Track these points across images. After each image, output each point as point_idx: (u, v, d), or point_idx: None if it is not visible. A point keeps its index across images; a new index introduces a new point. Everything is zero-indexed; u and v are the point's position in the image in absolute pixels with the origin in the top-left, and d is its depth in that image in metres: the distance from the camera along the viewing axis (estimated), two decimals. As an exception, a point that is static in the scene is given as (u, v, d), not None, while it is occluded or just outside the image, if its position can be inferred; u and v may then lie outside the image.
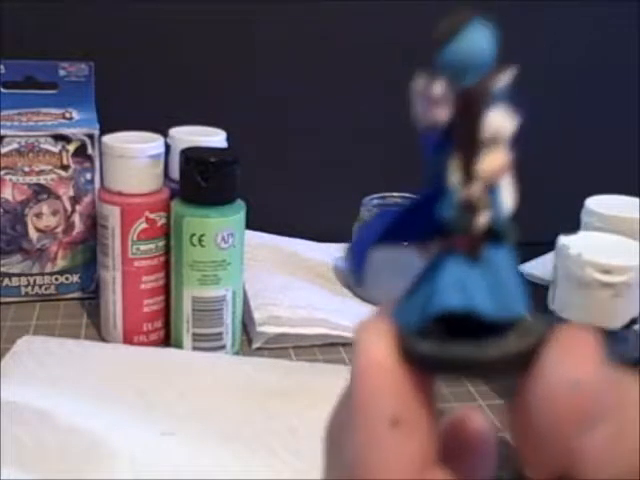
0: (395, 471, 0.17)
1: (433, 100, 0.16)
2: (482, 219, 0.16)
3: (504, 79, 0.17)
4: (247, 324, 0.64)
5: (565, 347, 0.17)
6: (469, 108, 0.16)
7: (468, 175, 0.16)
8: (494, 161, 0.16)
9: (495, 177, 0.16)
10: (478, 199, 0.16)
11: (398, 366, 0.17)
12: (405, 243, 0.17)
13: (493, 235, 0.17)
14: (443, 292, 0.16)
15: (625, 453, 0.17)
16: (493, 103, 0.16)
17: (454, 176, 0.16)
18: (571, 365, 0.17)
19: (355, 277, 0.19)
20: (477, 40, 0.16)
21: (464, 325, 0.16)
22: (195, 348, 0.60)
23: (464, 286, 0.16)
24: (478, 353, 0.16)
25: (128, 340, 0.61)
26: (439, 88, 0.16)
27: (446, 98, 0.16)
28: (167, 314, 0.62)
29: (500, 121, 0.16)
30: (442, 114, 0.16)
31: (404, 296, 0.18)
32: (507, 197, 0.17)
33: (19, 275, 0.68)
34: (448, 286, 0.16)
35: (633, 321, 0.47)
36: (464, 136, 0.16)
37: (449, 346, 0.16)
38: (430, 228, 0.17)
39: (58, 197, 0.67)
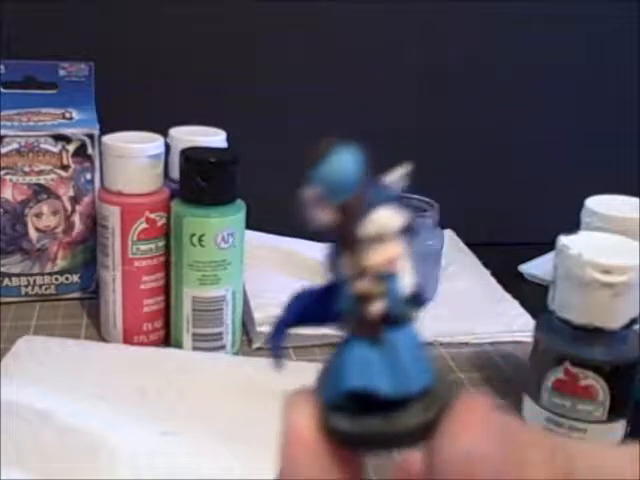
0: None
1: (316, 206, 0.18)
2: (376, 307, 0.18)
3: (391, 184, 0.19)
4: (247, 324, 0.64)
5: (459, 418, 0.17)
6: (344, 218, 0.18)
7: (356, 270, 0.18)
8: (380, 256, 0.18)
9: (384, 269, 0.18)
10: (368, 291, 0.18)
11: (318, 438, 0.18)
12: (321, 324, 0.19)
13: (392, 318, 0.18)
14: (345, 373, 0.18)
15: None
16: (375, 206, 0.18)
17: (344, 271, 0.18)
18: (463, 438, 0.17)
19: (274, 355, 0.20)
20: (340, 165, 0.18)
21: (374, 400, 0.18)
22: (195, 348, 0.60)
23: (364, 367, 0.18)
24: (382, 427, 0.18)
25: (128, 340, 0.61)
26: (318, 198, 0.18)
27: (325, 207, 0.18)
28: (167, 314, 0.62)
29: (384, 220, 0.18)
30: (325, 218, 0.18)
31: (323, 370, 0.19)
32: (405, 282, 0.18)
33: (19, 275, 0.68)
34: (350, 367, 0.18)
35: (633, 321, 0.47)
36: (346, 237, 0.18)
37: (357, 421, 0.18)
38: (338, 312, 0.19)
39: (58, 197, 0.67)
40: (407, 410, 0.18)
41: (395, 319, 0.18)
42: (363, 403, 0.18)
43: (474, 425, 0.17)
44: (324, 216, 0.18)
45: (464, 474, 0.17)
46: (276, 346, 0.20)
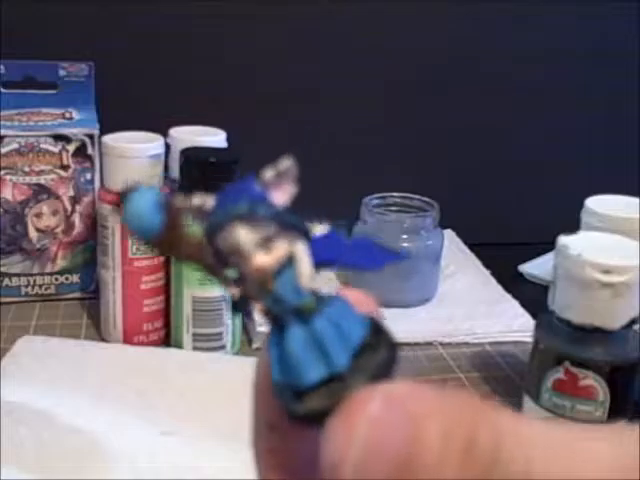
0: (270, 466, 0.19)
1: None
2: (259, 311, 0.18)
3: (265, 184, 0.19)
4: (247, 324, 0.64)
5: (335, 422, 0.17)
6: (173, 253, 0.19)
7: (224, 283, 0.19)
8: (242, 268, 0.18)
9: (254, 278, 0.18)
10: (238, 299, 0.19)
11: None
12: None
13: (283, 315, 0.19)
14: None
15: None
16: (225, 223, 0.18)
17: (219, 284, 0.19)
18: (330, 445, 0.16)
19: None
20: (136, 210, 0.18)
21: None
22: (195, 348, 0.60)
23: (272, 358, 0.19)
24: (291, 406, 0.18)
25: (128, 340, 0.61)
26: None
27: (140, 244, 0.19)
28: (167, 314, 0.62)
29: (232, 240, 0.18)
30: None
31: None
32: (299, 274, 0.18)
33: (19, 275, 0.68)
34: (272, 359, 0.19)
35: (633, 321, 0.47)
36: (195, 262, 0.19)
37: (296, 397, 0.19)
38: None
39: (58, 197, 0.67)
40: (309, 396, 0.18)
41: (284, 316, 0.18)
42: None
43: (340, 429, 0.17)
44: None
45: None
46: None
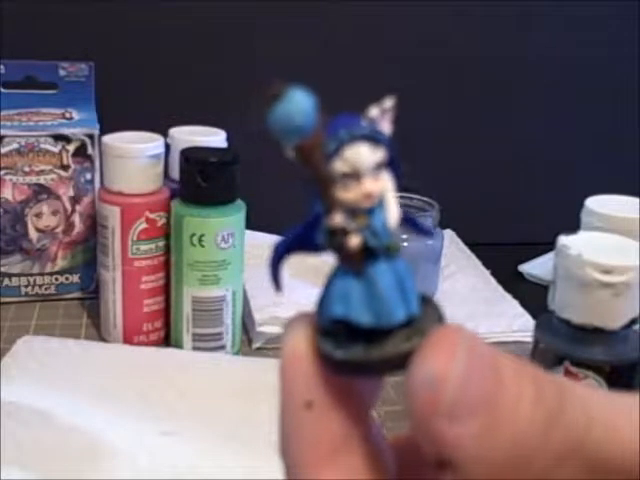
0: (308, 452, 0.19)
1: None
2: (353, 241, 0.18)
3: (372, 119, 0.19)
4: (247, 324, 0.64)
5: (430, 345, 0.18)
6: (305, 158, 0.18)
7: (329, 206, 0.18)
8: (353, 192, 0.18)
9: (361, 204, 0.18)
10: (340, 227, 0.18)
11: (313, 354, 0.19)
12: (313, 252, 0.20)
13: (373, 251, 0.19)
14: (329, 301, 0.19)
15: (498, 447, 0.17)
16: (348, 142, 0.18)
17: (319, 206, 0.19)
18: (429, 362, 0.17)
19: (273, 279, 0.21)
20: (289, 108, 0.18)
21: (358, 328, 0.19)
22: (195, 348, 0.60)
23: (345, 297, 0.19)
24: (361, 355, 0.18)
25: (128, 340, 0.61)
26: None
27: (284, 148, 0.19)
28: (167, 314, 0.62)
29: (355, 157, 0.18)
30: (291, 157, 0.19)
31: (319, 295, 0.20)
32: (387, 215, 0.19)
33: (19, 275, 0.68)
34: (332, 296, 0.19)
35: (633, 321, 0.47)
36: (314, 176, 0.18)
37: (341, 347, 0.19)
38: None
39: (58, 197, 0.67)
40: (387, 339, 0.18)
41: (376, 252, 0.18)
42: (350, 330, 0.19)
43: (443, 352, 0.17)
44: (289, 155, 0.18)
45: (425, 399, 0.17)
46: (275, 269, 0.21)
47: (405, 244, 0.67)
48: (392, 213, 0.19)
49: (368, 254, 0.18)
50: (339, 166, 0.18)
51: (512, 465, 0.17)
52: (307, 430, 0.19)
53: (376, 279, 0.18)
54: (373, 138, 0.18)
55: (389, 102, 0.19)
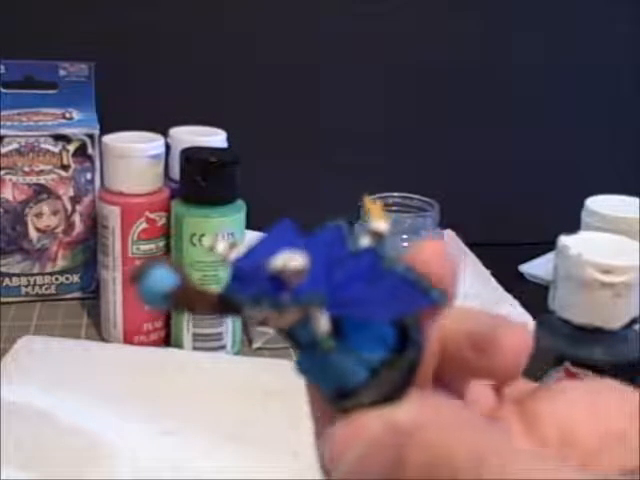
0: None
1: None
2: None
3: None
4: (247, 324, 0.64)
5: (346, 428, 0.20)
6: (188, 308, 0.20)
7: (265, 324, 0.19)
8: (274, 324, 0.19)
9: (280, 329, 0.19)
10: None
11: None
12: None
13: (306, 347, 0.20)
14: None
15: None
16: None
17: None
18: (335, 445, 0.19)
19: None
20: (148, 290, 0.19)
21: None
22: (195, 348, 0.60)
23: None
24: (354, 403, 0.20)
25: (128, 340, 0.61)
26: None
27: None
28: (167, 314, 0.62)
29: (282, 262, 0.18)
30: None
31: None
32: (311, 330, 0.19)
33: (19, 275, 0.68)
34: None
35: (633, 321, 0.47)
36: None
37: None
38: None
39: (58, 197, 0.67)
40: (362, 391, 0.19)
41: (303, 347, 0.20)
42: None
43: (346, 438, 0.19)
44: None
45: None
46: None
47: (405, 244, 0.67)
48: (320, 328, 0.19)
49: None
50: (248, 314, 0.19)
51: None
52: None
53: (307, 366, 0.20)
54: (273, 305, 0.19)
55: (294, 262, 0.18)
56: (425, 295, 0.19)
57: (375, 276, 0.19)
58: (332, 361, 0.19)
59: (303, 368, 0.20)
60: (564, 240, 0.48)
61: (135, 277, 0.19)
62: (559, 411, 0.20)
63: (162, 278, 0.19)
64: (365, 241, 0.19)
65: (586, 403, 0.20)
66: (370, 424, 0.19)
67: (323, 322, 0.19)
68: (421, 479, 0.18)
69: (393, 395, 0.19)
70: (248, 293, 0.18)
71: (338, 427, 0.19)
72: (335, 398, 0.20)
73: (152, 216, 0.60)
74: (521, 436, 0.20)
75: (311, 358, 0.19)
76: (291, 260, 0.18)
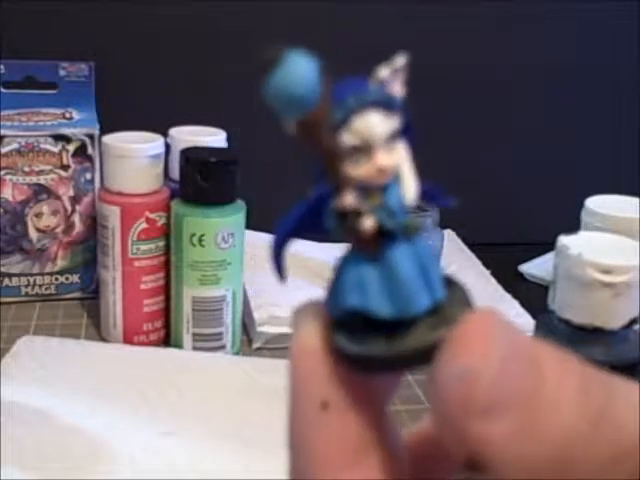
0: (324, 454, 0.17)
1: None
2: (367, 224, 0.16)
3: (383, 82, 0.17)
4: (247, 324, 0.64)
5: (460, 335, 0.16)
6: (308, 135, 0.16)
7: (337, 185, 0.16)
8: (365, 168, 0.16)
9: (374, 181, 0.16)
10: (352, 207, 0.16)
11: (327, 350, 0.17)
12: (320, 233, 0.18)
13: (390, 232, 0.16)
14: (341, 292, 0.17)
15: (539, 446, 0.15)
16: (357, 111, 0.16)
17: (324, 186, 0.16)
18: (460, 355, 0.16)
19: (276, 272, 0.18)
20: (293, 75, 0.15)
21: (376, 319, 0.17)
22: (195, 348, 0.60)
23: (361, 286, 0.16)
24: (382, 349, 0.16)
25: (128, 340, 0.61)
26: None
27: (286, 122, 0.16)
28: (167, 314, 0.62)
29: (366, 127, 0.16)
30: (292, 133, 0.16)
31: (330, 282, 0.18)
32: (406, 191, 0.16)
33: (19, 275, 0.68)
34: (346, 286, 0.17)
35: (633, 321, 0.47)
36: (321, 152, 0.16)
37: (358, 341, 0.17)
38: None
39: (58, 197, 0.67)
40: (410, 330, 0.16)
41: (393, 233, 0.16)
42: (367, 322, 0.17)
43: (474, 340, 0.16)
44: (290, 130, 0.16)
45: (457, 393, 0.15)
46: (277, 255, 0.18)
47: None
48: (409, 188, 0.16)
49: (384, 236, 0.16)
50: (348, 139, 0.16)
51: (554, 467, 0.15)
52: (324, 432, 0.17)
53: (395, 264, 0.16)
54: (385, 104, 0.16)
55: (400, 60, 0.17)
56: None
57: None
58: (419, 255, 0.16)
59: (363, 269, 0.16)
60: (564, 240, 0.48)
61: (272, 61, 0.15)
62: None
63: (310, 65, 0.15)
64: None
65: None
66: (494, 316, 0.16)
67: (413, 178, 0.16)
68: (560, 389, 0.15)
69: (434, 349, 0.16)
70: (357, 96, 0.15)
71: (457, 333, 0.16)
72: (393, 328, 0.16)
73: (152, 216, 0.60)
74: None
75: (382, 255, 0.16)
76: (397, 60, 0.16)
